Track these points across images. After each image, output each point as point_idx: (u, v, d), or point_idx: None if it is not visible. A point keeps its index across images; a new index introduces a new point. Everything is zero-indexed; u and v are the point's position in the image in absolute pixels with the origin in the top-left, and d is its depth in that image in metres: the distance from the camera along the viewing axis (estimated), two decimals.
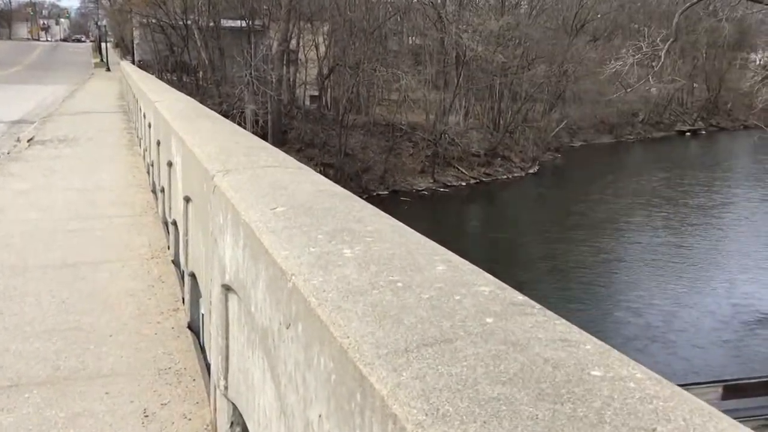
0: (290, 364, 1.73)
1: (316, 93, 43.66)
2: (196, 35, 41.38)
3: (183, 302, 4.91)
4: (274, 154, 3.77)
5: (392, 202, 32.86)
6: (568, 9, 51.50)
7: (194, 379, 3.85)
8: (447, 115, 41.51)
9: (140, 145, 12.43)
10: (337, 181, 3.20)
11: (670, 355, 17.98)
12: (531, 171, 43.85)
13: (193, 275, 4.49)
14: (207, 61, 42.34)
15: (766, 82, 29.73)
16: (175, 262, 5.85)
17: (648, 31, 29.80)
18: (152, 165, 8.86)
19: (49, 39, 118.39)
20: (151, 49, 45.36)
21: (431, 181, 39.15)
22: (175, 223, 5.83)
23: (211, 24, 42.23)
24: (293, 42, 40.63)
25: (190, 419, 3.43)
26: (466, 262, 1.82)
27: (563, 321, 1.43)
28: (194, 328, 4.50)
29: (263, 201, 2.48)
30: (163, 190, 7.01)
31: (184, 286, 4.96)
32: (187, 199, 4.67)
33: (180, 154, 5.08)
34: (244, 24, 42.51)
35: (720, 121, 68.24)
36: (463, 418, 1.04)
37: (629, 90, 32.52)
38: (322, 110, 42.14)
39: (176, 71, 43.81)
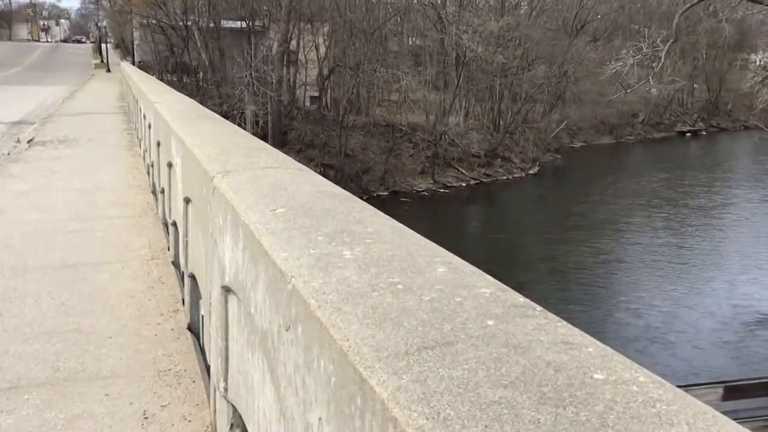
0: (290, 367, 1.72)
1: (317, 94, 43.64)
2: (196, 36, 41.38)
3: (183, 303, 4.90)
4: (273, 155, 3.77)
5: (392, 203, 32.82)
6: (568, 10, 51.52)
7: (194, 381, 3.84)
8: (447, 116, 41.50)
9: (140, 146, 12.43)
10: (337, 182, 3.19)
11: (671, 356, 17.97)
12: (531, 172, 43.83)
13: (193, 276, 4.48)
14: (207, 62, 42.35)
15: (766, 82, 29.70)
16: (175, 264, 5.85)
17: (648, 31, 29.76)
18: (152, 166, 8.86)
19: (49, 40, 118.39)
20: (151, 50, 45.38)
21: (431, 181, 39.13)
22: (175, 224, 5.82)
23: (211, 25, 42.24)
24: (293, 43, 40.62)
25: (189, 421, 3.42)
26: (467, 264, 1.81)
27: (565, 323, 1.42)
28: (194, 329, 4.50)
29: (263, 202, 2.47)
30: (163, 191, 7.00)
31: (183, 287, 4.96)
32: (187, 200, 4.66)
33: (180, 155, 5.08)
34: (244, 25, 42.50)
35: (720, 121, 68.23)
36: (464, 422, 1.03)
37: (629, 91, 32.52)
38: (322, 111, 42.13)
39: (176, 72, 43.79)
